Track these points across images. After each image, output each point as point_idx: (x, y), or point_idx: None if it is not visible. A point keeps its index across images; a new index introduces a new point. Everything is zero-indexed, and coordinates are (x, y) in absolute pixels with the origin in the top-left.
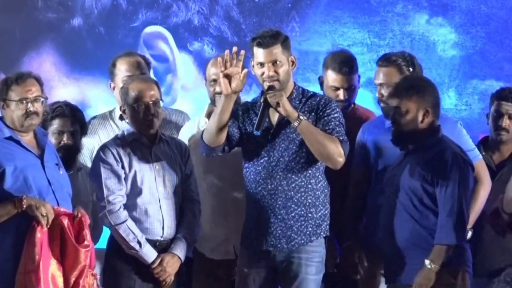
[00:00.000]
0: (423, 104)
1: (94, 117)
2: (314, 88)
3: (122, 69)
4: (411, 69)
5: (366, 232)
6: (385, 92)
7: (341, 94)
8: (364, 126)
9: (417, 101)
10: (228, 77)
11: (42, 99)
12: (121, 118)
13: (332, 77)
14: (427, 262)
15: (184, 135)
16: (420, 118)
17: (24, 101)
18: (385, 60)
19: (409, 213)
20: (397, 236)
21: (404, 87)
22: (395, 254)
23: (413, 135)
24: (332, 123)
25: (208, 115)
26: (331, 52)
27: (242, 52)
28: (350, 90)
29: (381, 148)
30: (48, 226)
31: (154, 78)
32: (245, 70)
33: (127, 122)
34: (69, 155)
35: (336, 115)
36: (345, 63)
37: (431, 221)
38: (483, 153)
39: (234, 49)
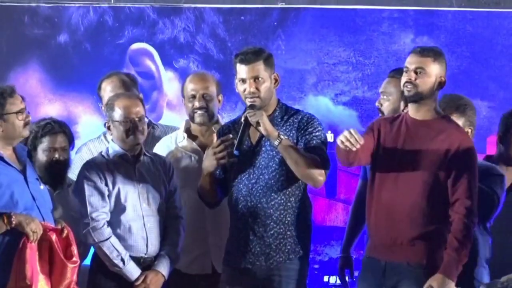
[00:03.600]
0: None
1: (87, 142)
2: (300, 106)
3: (107, 90)
4: None
5: None
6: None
7: None
8: None
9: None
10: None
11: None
12: None
13: None
14: None
15: (160, 150)
16: None
17: (22, 112)
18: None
19: None
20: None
21: (451, 104)
22: None
23: None
24: (314, 141)
25: (187, 131)
26: None
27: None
28: None
29: None
30: (37, 242)
31: (140, 95)
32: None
33: (112, 139)
34: (61, 171)
35: (318, 133)
36: None
37: None
38: None
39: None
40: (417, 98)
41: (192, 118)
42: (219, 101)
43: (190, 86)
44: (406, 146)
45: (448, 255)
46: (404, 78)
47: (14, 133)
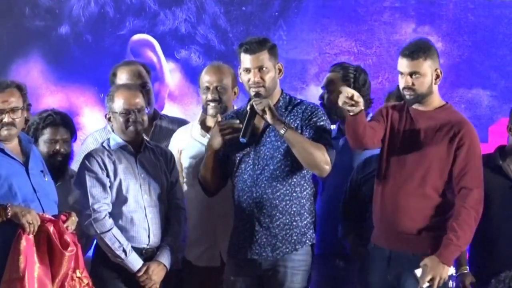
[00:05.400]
0: None
1: (93, 132)
2: (301, 96)
3: (123, 78)
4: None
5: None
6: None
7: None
8: None
9: None
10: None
11: (21, 110)
12: None
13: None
14: None
15: (176, 141)
16: None
17: (0, 112)
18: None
19: None
20: None
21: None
22: None
23: None
24: (319, 131)
25: (202, 123)
26: None
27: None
28: None
29: None
30: (34, 234)
31: (150, 85)
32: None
33: (112, 130)
34: (63, 162)
35: (322, 122)
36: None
37: None
38: (501, 162)
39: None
40: (419, 99)
41: (205, 109)
42: (235, 93)
43: (205, 78)
44: (412, 138)
45: (446, 239)
46: (401, 83)
47: None
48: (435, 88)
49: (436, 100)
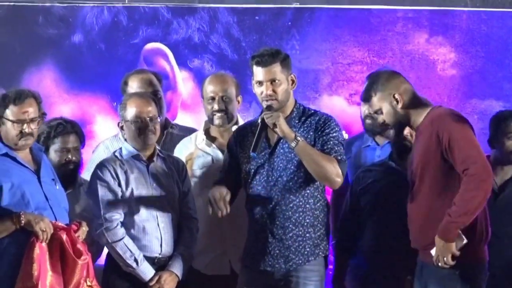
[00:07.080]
0: None
1: (104, 140)
2: (314, 106)
3: (134, 86)
4: None
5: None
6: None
7: None
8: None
9: None
10: None
11: (39, 119)
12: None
13: None
14: None
15: (180, 151)
16: None
17: (20, 123)
18: None
19: None
20: None
21: None
22: None
23: None
24: (331, 142)
25: (206, 132)
26: None
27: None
28: None
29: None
30: (47, 241)
31: (161, 93)
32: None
33: (125, 139)
34: (74, 170)
35: (335, 134)
36: None
37: None
38: None
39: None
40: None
41: (211, 120)
42: (238, 102)
43: (209, 88)
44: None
45: (445, 218)
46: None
47: (8, 139)
48: (411, 106)
49: (420, 113)
